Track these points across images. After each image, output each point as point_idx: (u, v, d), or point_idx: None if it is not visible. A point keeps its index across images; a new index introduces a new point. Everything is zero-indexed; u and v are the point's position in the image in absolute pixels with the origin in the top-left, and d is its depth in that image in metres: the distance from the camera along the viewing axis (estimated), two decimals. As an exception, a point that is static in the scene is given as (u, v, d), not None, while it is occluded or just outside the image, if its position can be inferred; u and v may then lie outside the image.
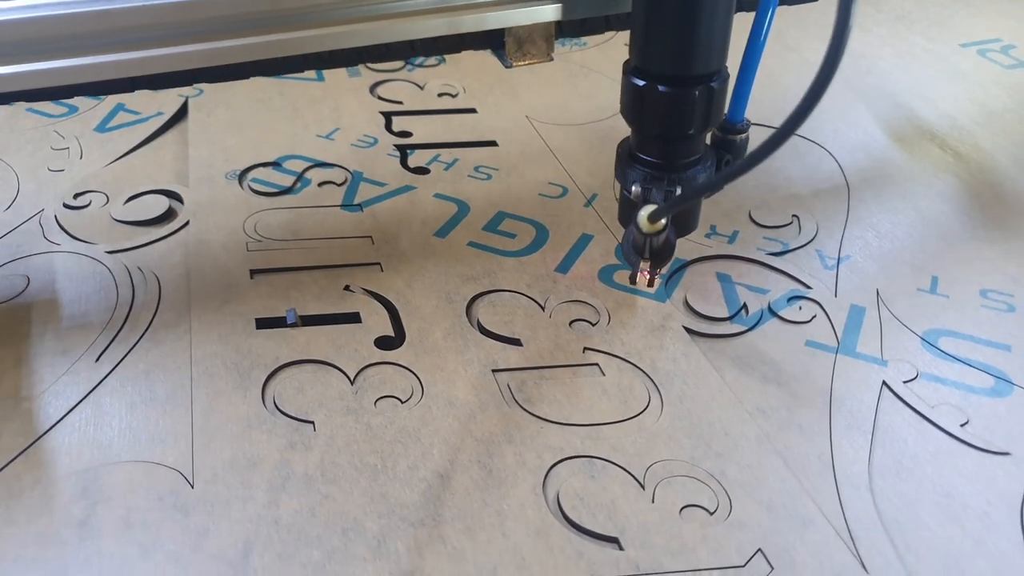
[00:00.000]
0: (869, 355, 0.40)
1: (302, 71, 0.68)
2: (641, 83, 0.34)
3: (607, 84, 0.66)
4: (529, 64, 0.69)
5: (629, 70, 0.35)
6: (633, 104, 0.35)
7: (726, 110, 0.37)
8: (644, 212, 0.34)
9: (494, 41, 0.71)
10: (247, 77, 0.66)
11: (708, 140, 0.38)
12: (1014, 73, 0.68)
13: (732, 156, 0.38)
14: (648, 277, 0.40)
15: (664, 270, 0.41)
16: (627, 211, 0.38)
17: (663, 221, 0.34)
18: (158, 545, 0.32)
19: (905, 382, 0.38)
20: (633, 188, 0.36)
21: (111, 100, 0.64)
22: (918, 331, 0.42)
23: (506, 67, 0.68)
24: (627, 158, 0.37)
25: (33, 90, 0.60)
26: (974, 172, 0.55)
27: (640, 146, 0.37)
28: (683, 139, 0.35)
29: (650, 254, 0.37)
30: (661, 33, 0.33)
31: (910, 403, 0.37)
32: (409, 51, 0.70)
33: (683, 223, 0.39)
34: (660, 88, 0.33)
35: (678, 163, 0.36)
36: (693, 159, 0.36)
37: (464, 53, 0.72)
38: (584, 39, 0.74)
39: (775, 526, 0.32)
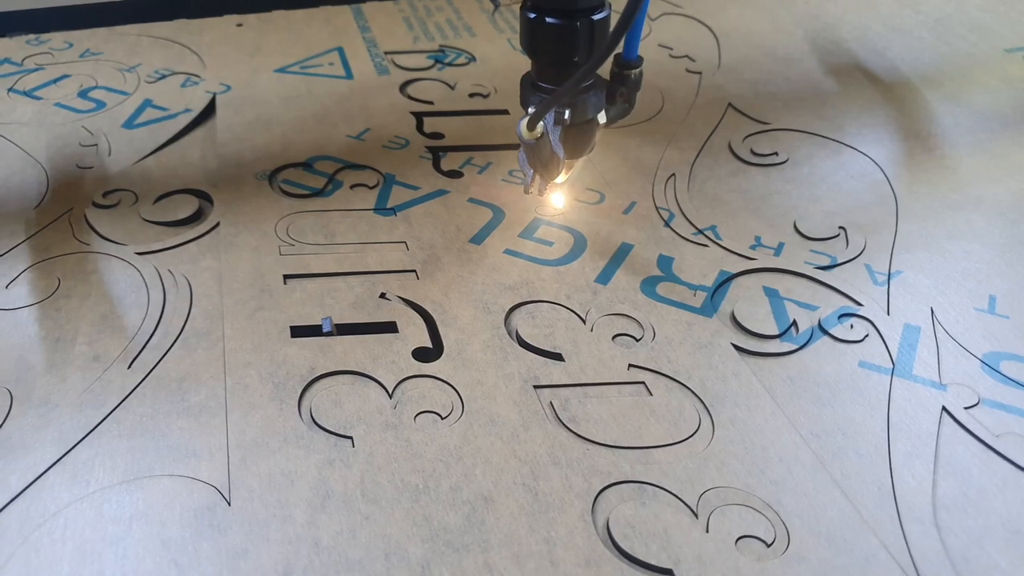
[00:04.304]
0: (926, 378, 0.39)
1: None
2: (532, 16, 0.39)
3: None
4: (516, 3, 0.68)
5: (527, 6, 0.40)
6: (528, 36, 0.41)
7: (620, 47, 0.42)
8: (522, 121, 0.39)
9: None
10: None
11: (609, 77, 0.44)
12: (1063, 81, 0.66)
13: (627, 89, 0.43)
14: (538, 187, 0.45)
15: (552, 181, 0.46)
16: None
17: (539, 127, 0.39)
18: (194, 566, 0.31)
19: (966, 408, 0.37)
20: (529, 110, 0.40)
21: (139, 95, 0.63)
22: (977, 353, 0.40)
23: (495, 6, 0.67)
24: (529, 86, 0.43)
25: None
26: (1026, 185, 0.53)
27: (539, 75, 0.42)
28: (572, 67, 0.39)
29: (541, 165, 0.42)
30: None
31: (973, 431, 0.36)
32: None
33: (576, 144, 0.44)
34: (547, 20, 0.39)
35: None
36: (585, 86, 0.41)
37: (492, 51, 0.70)
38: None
39: (836, 561, 0.31)
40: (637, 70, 0.43)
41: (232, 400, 0.38)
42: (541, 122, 0.39)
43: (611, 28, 0.39)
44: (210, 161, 0.55)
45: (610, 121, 0.45)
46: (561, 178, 0.48)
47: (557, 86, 0.40)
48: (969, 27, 0.75)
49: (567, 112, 0.41)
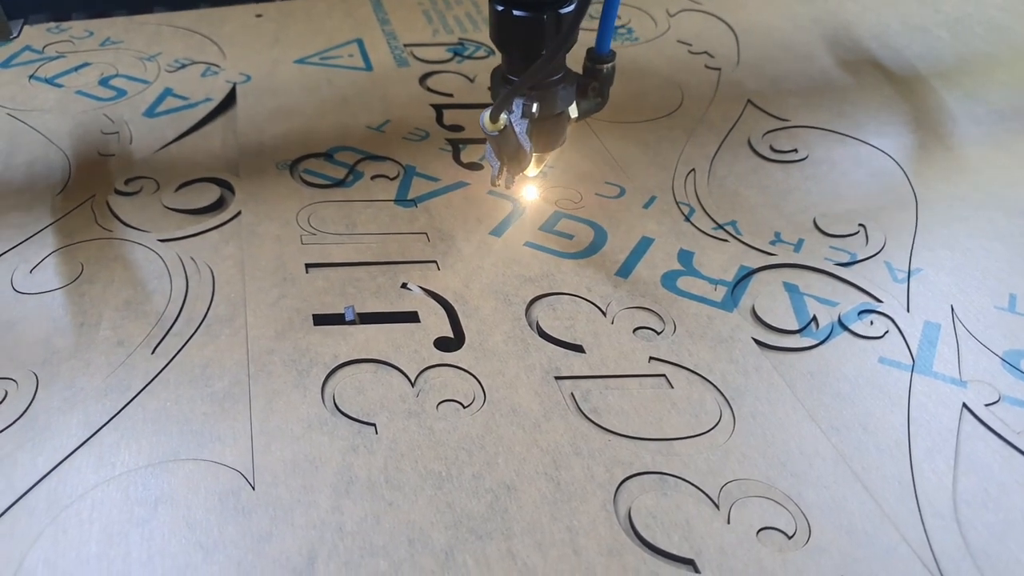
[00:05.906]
0: (947, 375, 0.39)
1: None
2: (500, 8, 0.39)
3: (659, 82, 0.65)
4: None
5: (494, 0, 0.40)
6: (496, 29, 0.40)
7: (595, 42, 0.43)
8: (484, 113, 0.39)
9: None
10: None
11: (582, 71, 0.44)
12: (1084, 81, 0.65)
13: (599, 84, 0.43)
14: (505, 180, 0.45)
15: (520, 174, 0.46)
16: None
17: (502, 119, 0.39)
18: (220, 548, 0.31)
19: (987, 405, 0.37)
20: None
21: (159, 84, 0.63)
22: (997, 351, 0.40)
23: None
24: (500, 79, 0.43)
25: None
26: (1047, 185, 0.53)
27: (509, 68, 0.42)
28: (541, 59, 0.38)
29: (508, 158, 0.42)
30: None
31: (993, 428, 0.36)
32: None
33: (545, 138, 0.44)
34: (515, 13, 0.39)
35: (540, 82, 0.41)
36: (554, 79, 0.42)
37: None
38: (636, 35, 0.72)
39: (857, 553, 0.31)
40: (609, 64, 0.43)
41: (256, 386, 0.38)
42: (504, 115, 0.39)
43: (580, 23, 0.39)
44: (231, 150, 0.55)
45: (582, 115, 0.45)
46: (532, 172, 0.48)
47: None
48: (988, 26, 0.75)
49: (535, 105, 0.41)
